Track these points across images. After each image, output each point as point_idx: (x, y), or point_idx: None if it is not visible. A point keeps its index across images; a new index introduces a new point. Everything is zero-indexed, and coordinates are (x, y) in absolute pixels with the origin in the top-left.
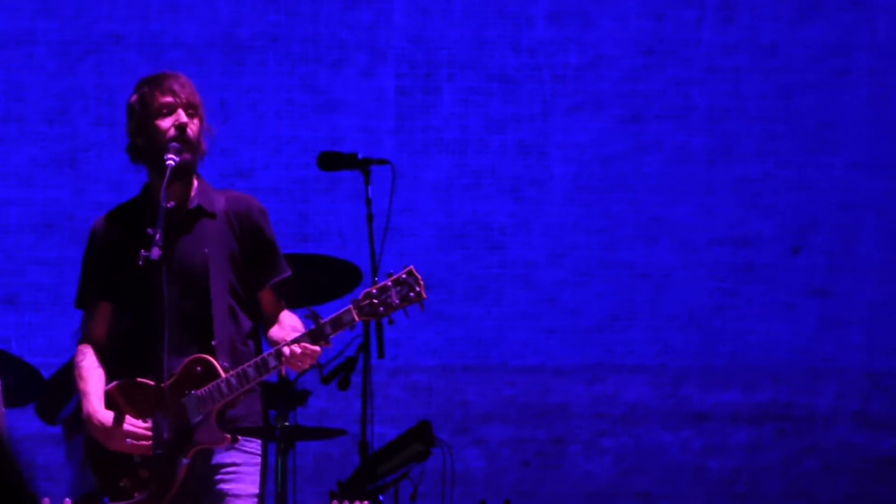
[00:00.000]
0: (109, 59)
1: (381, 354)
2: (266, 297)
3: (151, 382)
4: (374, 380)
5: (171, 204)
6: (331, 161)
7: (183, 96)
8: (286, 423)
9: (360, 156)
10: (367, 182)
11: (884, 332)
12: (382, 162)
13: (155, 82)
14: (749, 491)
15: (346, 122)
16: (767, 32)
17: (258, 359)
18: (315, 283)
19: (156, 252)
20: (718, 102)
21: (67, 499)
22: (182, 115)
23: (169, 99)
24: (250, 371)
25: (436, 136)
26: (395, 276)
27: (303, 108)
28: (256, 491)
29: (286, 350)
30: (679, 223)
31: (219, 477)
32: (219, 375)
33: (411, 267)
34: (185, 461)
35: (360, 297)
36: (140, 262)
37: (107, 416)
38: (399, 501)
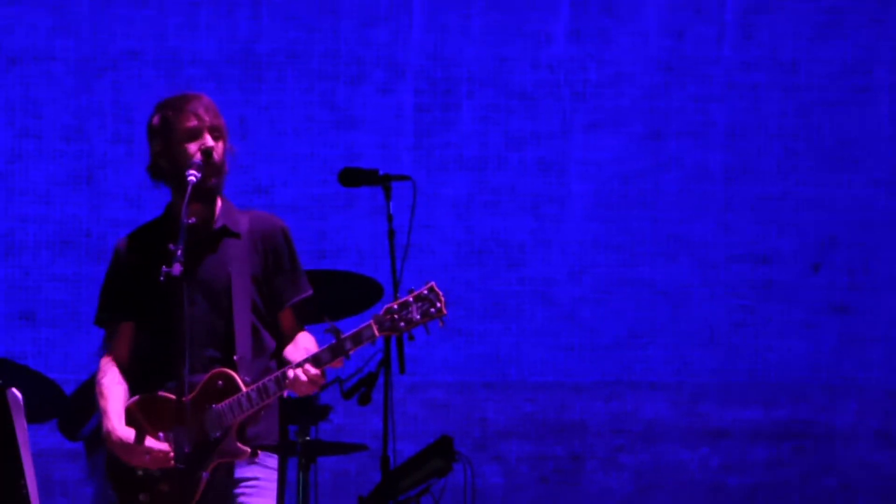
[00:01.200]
0: (127, 76)
1: (402, 370)
2: (286, 316)
3: (172, 397)
4: (391, 396)
5: (192, 220)
6: (352, 177)
7: (207, 119)
8: (307, 438)
9: (381, 172)
10: (387, 198)
11: None
12: (404, 178)
13: (179, 105)
14: None
15: (364, 138)
16: (787, 50)
17: (279, 373)
18: (335, 298)
19: (177, 268)
20: (738, 119)
21: None
22: (208, 139)
23: (194, 123)
24: (271, 385)
25: (455, 153)
26: (416, 292)
27: (321, 124)
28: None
29: (290, 373)
30: (698, 240)
31: (238, 490)
32: (240, 390)
33: (433, 283)
34: (205, 475)
35: (381, 312)
36: (161, 279)
37: (126, 433)
38: None
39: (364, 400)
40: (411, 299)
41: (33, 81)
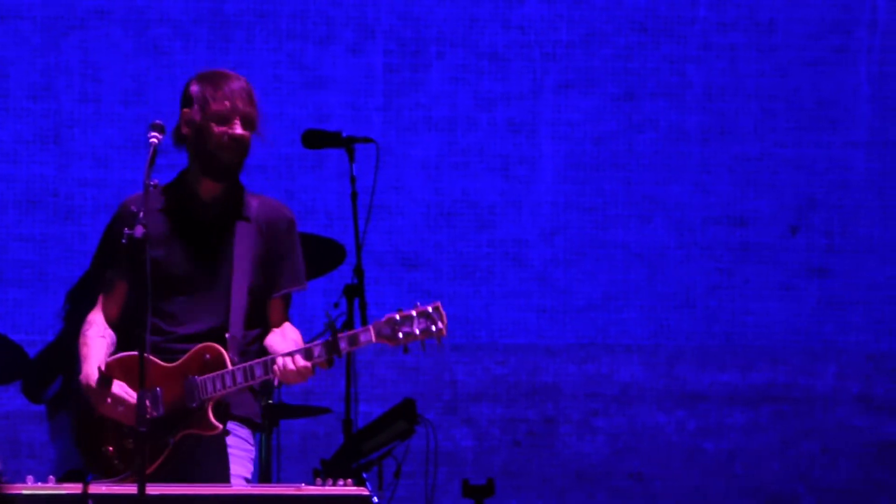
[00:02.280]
0: (94, 35)
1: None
2: (275, 305)
3: (157, 360)
4: (361, 358)
5: (155, 181)
6: (315, 139)
7: (241, 105)
8: (269, 402)
9: (344, 134)
10: (351, 160)
11: (885, 314)
12: (367, 140)
13: (216, 83)
14: (745, 473)
15: (333, 99)
16: (765, 9)
17: (268, 358)
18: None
19: (139, 230)
20: (715, 80)
21: (51, 476)
22: (237, 127)
23: (227, 105)
24: (258, 369)
25: (424, 114)
26: (420, 308)
27: (290, 84)
28: (247, 475)
29: (280, 361)
30: (674, 202)
31: (200, 459)
32: (226, 366)
33: (438, 303)
34: (171, 440)
35: (383, 320)
36: (124, 241)
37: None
38: (383, 479)
39: (327, 363)
40: (415, 314)
41: (0, 40)
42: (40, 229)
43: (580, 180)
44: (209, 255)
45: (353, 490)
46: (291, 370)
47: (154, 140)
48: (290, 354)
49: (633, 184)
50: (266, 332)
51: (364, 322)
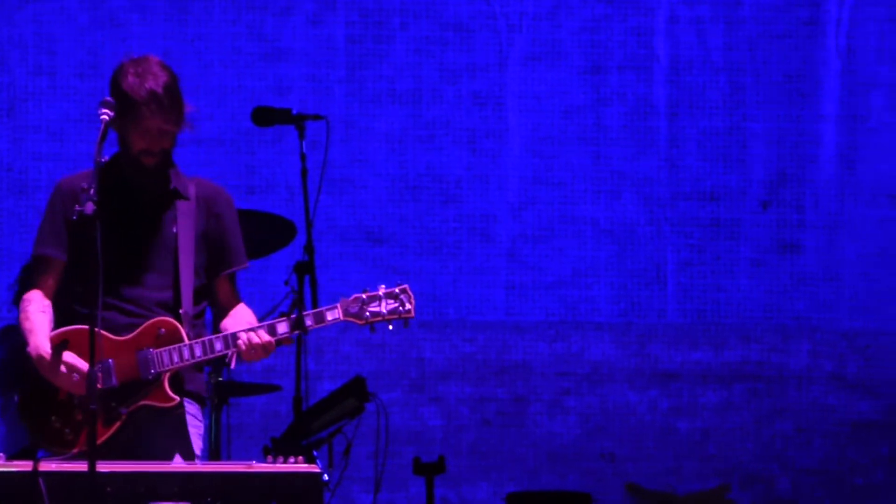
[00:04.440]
0: (49, 8)
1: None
2: (222, 285)
3: (108, 334)
4: (325, 335)
5: (105, 159)
6: (265, 116)
7: (167, 128)
8: (219, 379)
9: (294, 111)
10: (301, 137)
11: (857, 290)
12: (317, 117)
13: (143, 92)
14: (719, 452)
15: (294, 71)
16: None
17: (228, 333)
18: (249, 238)
19: (89, 206)
20: (682, 53)
21: (0, 453)
22: (163, 142)
23: (154, 123)
24: (217, 343)
25: (388, 87)
26: (388, 290)
27: (249, 56)
28: (197, 452)
29: (243, 335)
30: (643, 177)
31: (160, 432)
32: (182, 341)
33: (406, 286)
34: (123, 411)
35: (350, 298)
36: (74, 217)
37: (55, 352)
38: (333, 457)
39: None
40: (381, 294)
41: None
42: None
43: (547, 154)
44: (153, 232)
45: (302, 468)
46: (257, 344)
47: (105, 117)
48: (254, 329)
49: (601, 158)
50: (216, 308)
51: (315, 300)
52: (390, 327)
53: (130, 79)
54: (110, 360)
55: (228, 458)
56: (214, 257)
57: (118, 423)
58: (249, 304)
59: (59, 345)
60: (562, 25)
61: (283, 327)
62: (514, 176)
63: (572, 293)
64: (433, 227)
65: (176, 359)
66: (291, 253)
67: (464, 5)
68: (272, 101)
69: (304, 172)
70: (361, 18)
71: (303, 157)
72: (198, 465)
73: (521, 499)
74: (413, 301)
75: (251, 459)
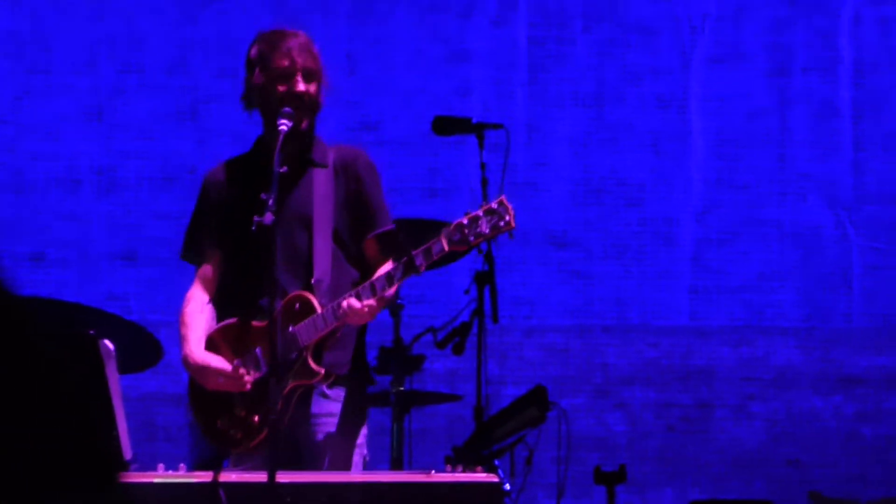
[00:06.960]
0: (232, 9)
1: (495, 319)
2: (369, 247)
3: (256, 323)
4: (508, 340)
5: (283, 169)
6: (445, 126)
7: (300, 61)
8: (401, 389)
9: (474, 119)
10: (480, 147)
11: None
12: (497, 126)
13: (274, 42)
14: None
15: (476, 72)
16: None
17: (353, 292)
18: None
19: (269, 217)
20: (866, 55)
21: (183, 463)
22: (299, 84)
23: (286, 63)
24: (343, 303)
25: (570, 89)
26: (486, 206)
27: (432, 59)
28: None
29: (344, 302)
30: (826, 179)
31: (315, 421)
32: (315, 311)
33: (503, 196)
34: (280, 395)
35: (452, 226)
36: (253, 228)
37: (203, 357)
38: (515, 466)
39: (458, 349)
40: (481, 213)
41: (137, 13)
42: (177, 206)
43: (732, 157)
44: (290, 208)
45: (482, 477)
46: (357, 308)
47: (283, 127)
48: (356, 294)
49: (786, 161)
50: (370, 273)
51: (495, 311)
52: (497, 247)
53: (262, 40)
54: (258, 350)
55: (410, 463)
56: (358, 221)
57: (279, 407)
58: (431, 311)
59: (207, 348)
60: (745, 27)
61: (380, 283)
62: (697, 179)
63: (757, 297)
64: (616, 231)
65: (311, 331)
66: (474, 258)
67: (646, 7)
68: (455, 103)
69: (483, 182)
70: (543, 20)
71: (482, 167)
72: (378, 475)
73: None
74: (512, 212)
75: (433, 467)
